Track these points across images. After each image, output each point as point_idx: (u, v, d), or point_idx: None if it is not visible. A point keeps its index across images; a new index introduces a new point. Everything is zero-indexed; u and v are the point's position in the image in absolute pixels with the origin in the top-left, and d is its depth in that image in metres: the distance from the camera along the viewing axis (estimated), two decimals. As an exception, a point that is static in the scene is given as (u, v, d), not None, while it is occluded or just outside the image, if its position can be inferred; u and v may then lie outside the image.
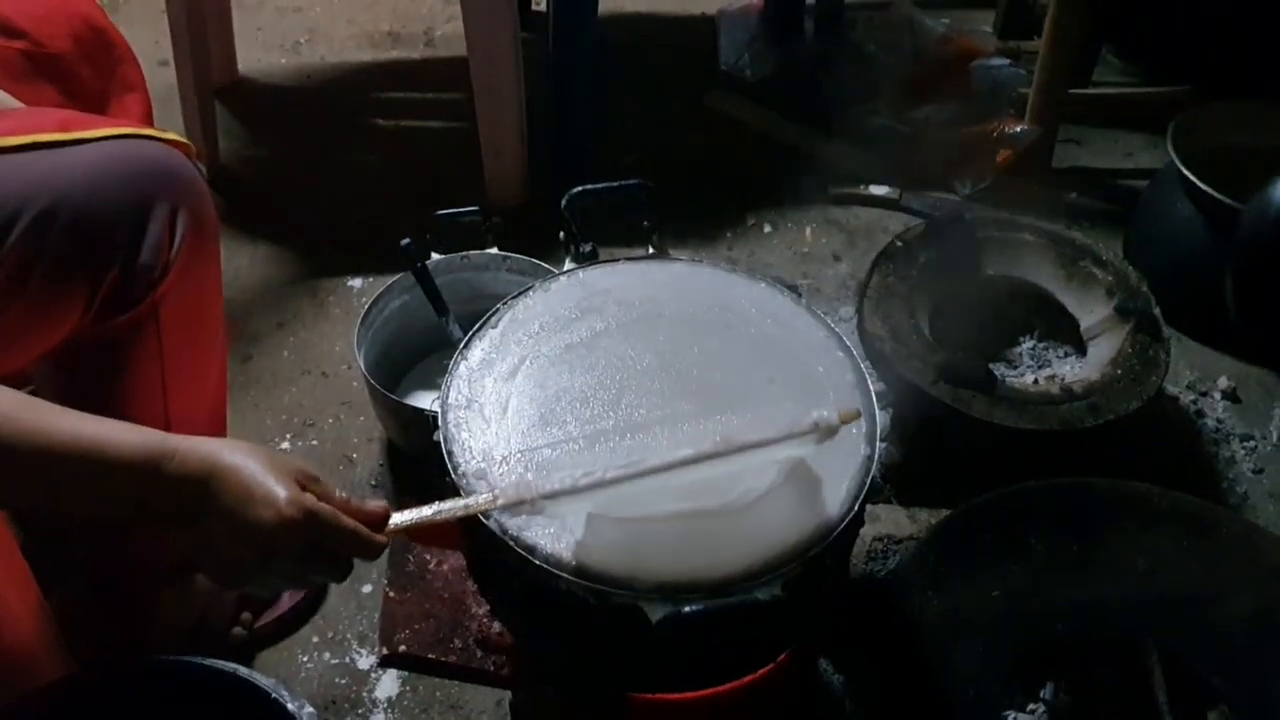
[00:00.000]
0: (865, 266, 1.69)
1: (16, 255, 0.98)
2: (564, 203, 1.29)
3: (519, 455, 1.05)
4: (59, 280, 1.02)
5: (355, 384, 1.71)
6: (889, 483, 1.53)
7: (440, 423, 1.08)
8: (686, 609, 0.93)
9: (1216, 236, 1.72)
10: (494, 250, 1.67)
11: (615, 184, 1.34)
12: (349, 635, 1.41)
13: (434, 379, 1.67)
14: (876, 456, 1.04)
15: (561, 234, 1.31)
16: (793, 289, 1.22)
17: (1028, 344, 1.69)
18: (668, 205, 1.37)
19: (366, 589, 1.45)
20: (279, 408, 1.68)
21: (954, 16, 2.37)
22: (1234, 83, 1.94)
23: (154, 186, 1.06)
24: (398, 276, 1.64)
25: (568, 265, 1.28)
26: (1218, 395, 1.71)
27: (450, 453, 1.05)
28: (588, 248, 1.29)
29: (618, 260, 1.24)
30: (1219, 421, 1.67)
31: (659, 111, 2.24)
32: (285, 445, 1.63)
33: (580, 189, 1.31)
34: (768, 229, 2.00)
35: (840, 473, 1.03)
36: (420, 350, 1.69)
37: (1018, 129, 1.98)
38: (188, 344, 1.17)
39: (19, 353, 1.04)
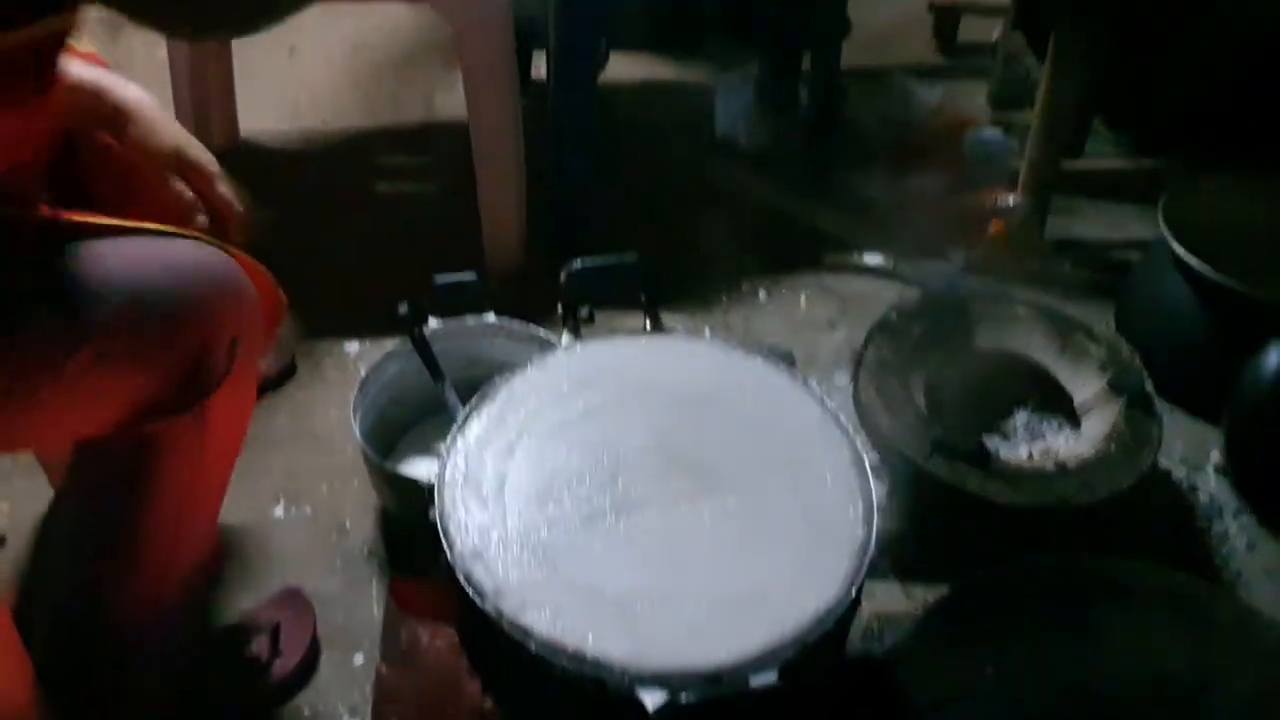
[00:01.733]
0: (859, 334, 1.70)
1: (106, 332, 1.00)
2: (563, 279, 1.30)
3: (515, 535, 1.05)
4: (139, 365, 1.05)
5: (350, 450, 1.71)
6: (885, 556, 1.53)
7: (437, 500, 1.08)
8: (684, 697, 0.92)
9: (1208, 311, 1.74)
10: (491, 317, 1.68)
11: (613, 259, 1.35)
12: (340, 707, 1.40)
13: (429, 444, 1.67)
14: (873, 541, 1.04)
15: (560, 307, 1.32)
16: (788, 357, 1.23)
17: (1021, 416, 1.70)
18: (663, 269, 1.38)
19: (358, 660, 1.44)
20: (272, 473, 1.67)
21: (947, 87, 2.41)
22: (1225, 156, 1.97)
23: (230, 298, 1.12)
24: (395, 343, 1.64)
25: (565, 339, 1.29)
26: (1210, 469, 1.72)
27: (446, 530, 1.05)
28: (585, 313, 1.30)
29: (615, 335, 1.25)
30: (1212, 496, 1.68)
31: (657, 178, 2.26)
32: (278, 511, 1.62)
33: (579, 266, 1.32)
34: (763, 295, 2.01)
35: (837, 556, 1.03)
36: (416, 414, 1.69)
37: (1010, 200, 2.01)
38: (223, 451, 1.20)
39: (71, 429, 1.06)
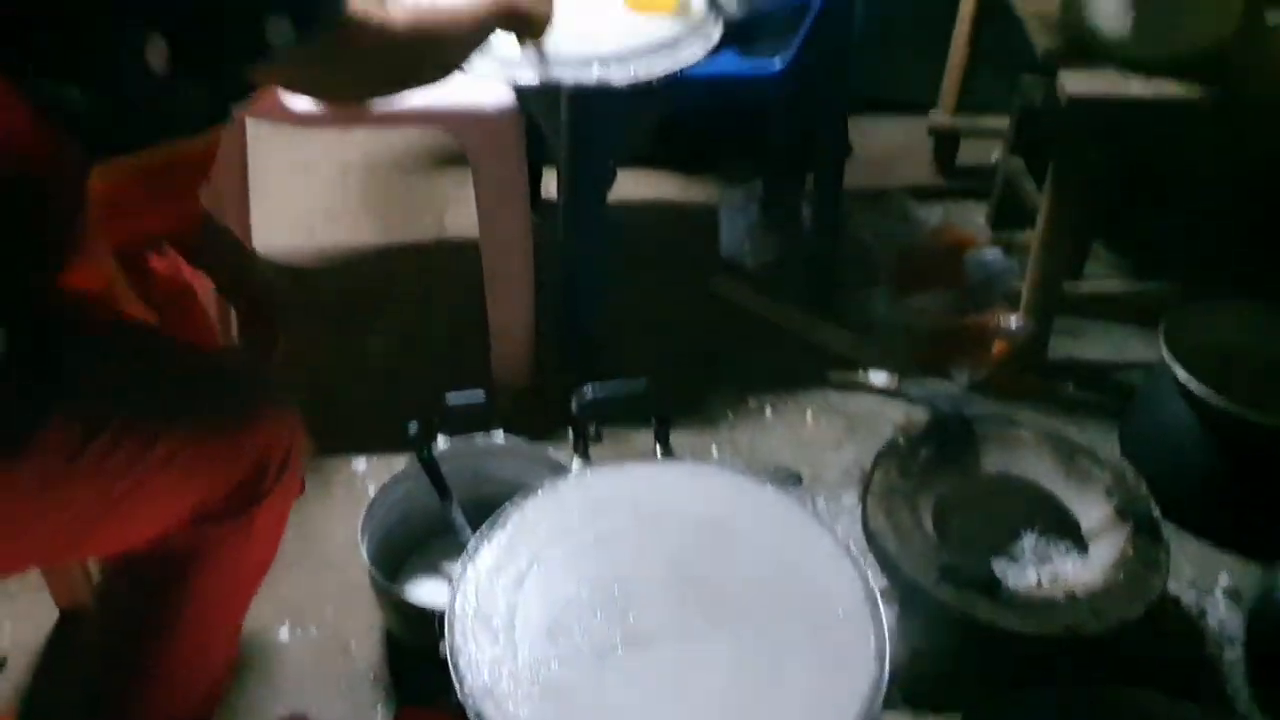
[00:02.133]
0: (866, 453, 1.71)
1: (180, 437, 1.06)
2: (574, 406, 1.31)
3: (526, 670, 1.05)
4: (204, 471, 1.11)
5: (356, 570, 1.70)
6: (894, 682, 1.51)
7: (447, 633, 1.08)
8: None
9: (1211, 435, 1.75)
10: (500, 437, 1.69)
11: (624, 387, 1.37)
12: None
13: (437, 564, 1.67)
14: (885, 677, 1.04)
15: (570, 431, 1.33)
16: (795, 478, 1.24)
17: (1029, 539, 1.70)
18: (670, 385, 1.40)
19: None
20: (278, 592, 1.67)
21: (947, 207, 2.45)
22: (1226, 280, 2.01)
23: (285, 413, 1.20)
24: (403, 460, 1.65)
25: (576, 465, 1.30)
26: (1219, 594, 1.71)
27: (457, 666, 1.05)
28: (594, 431, 1.31)
29: (625, 461, 1.26)
30: (1221, 623, 1.67)
31: (664, 295, 2.29)
32: (284, 634, 1.61)
33: (590, 393, 1.34)
34: (769, 413, 2.03)
35: (851, 695, 1.03)
36: (424, 533, 1.69)
37: (1012, 322, 2.03)
38: (257, 563, 1.26)
39: (128, 534, 1.11)
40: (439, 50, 1.29)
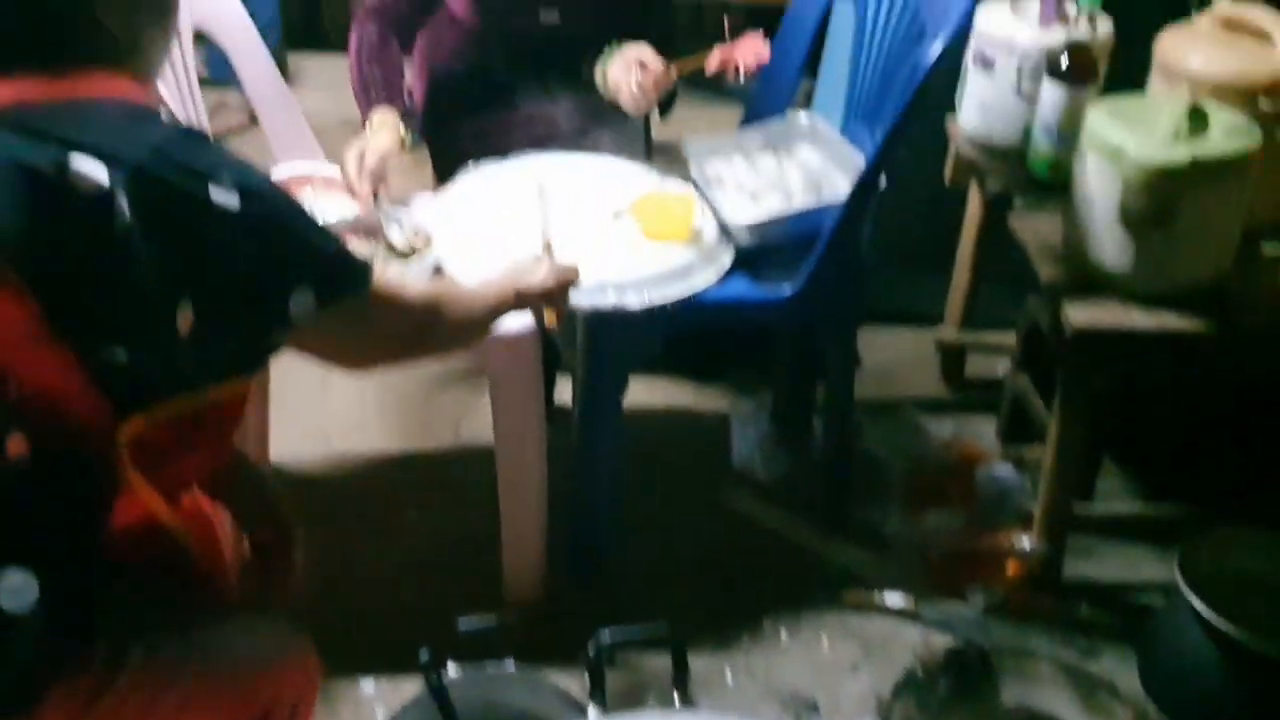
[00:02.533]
0: (883, 678, 1.69)
1: (186, 684, 1.08)
2: (590, 651, 1.31)
3: None
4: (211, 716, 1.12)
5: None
6: None
7: None
8: None
9: (1231, 668, 1.72)
10: (511, 666, 1.67)
11: (643, 632, 1.36)
12: None
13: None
14: None
15: (586, 674, 1.32)
16: (812, 706, 1.21)
17: (1051, 776, 1.66)
18: (680, 604, 1.39)
19: None
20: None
21: (956, 420, 2.48)
22: (1238, 502, 2.01)
23: (296, 667, 1.25)
24: (412, 683, 1.63)
25: (593, 714, 1.28)
26: (1249, 837, 1.66)
27: None
28: (608, 654, 1.29)
29: (643, 713, 1.25)
30: None
31: (676, 506, 2.30)
32: None
33: (607, 638, 1.33)
34: (784, 636, 2.00)
35: None
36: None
37: (1025, 542, 2.03)
38: None
39: None
40: (453, 327, 1.37)
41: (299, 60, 4.20)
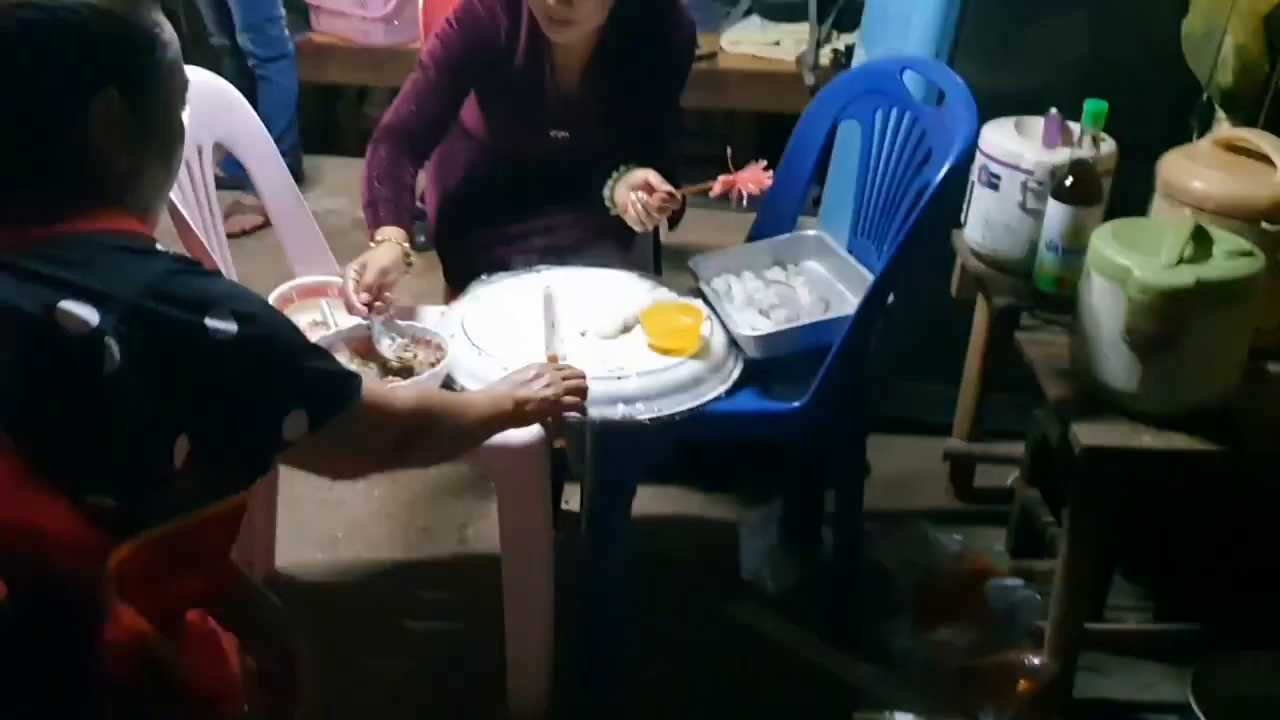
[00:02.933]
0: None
1: None
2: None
3: None
4: None
5: None
6: None
7: None
8: None
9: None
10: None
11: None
12: None
13: None
14: None
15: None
16: None
17: None
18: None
19: None
20: None
21: (966, 533, 2.46)
22: (1252, 619, 1.99)
23: None
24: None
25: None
26: None
27: None
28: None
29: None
30: None
31: (684, 618, 2.28)
32: None
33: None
34: (793, 758, 1.98)
35: None
36: None
37: (1036, 661, 2.00)
38: None
39: None
40: (447, 437, 1.38)
41: (314, 163, 4.27)
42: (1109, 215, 2.03)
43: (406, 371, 1.87)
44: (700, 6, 4.21)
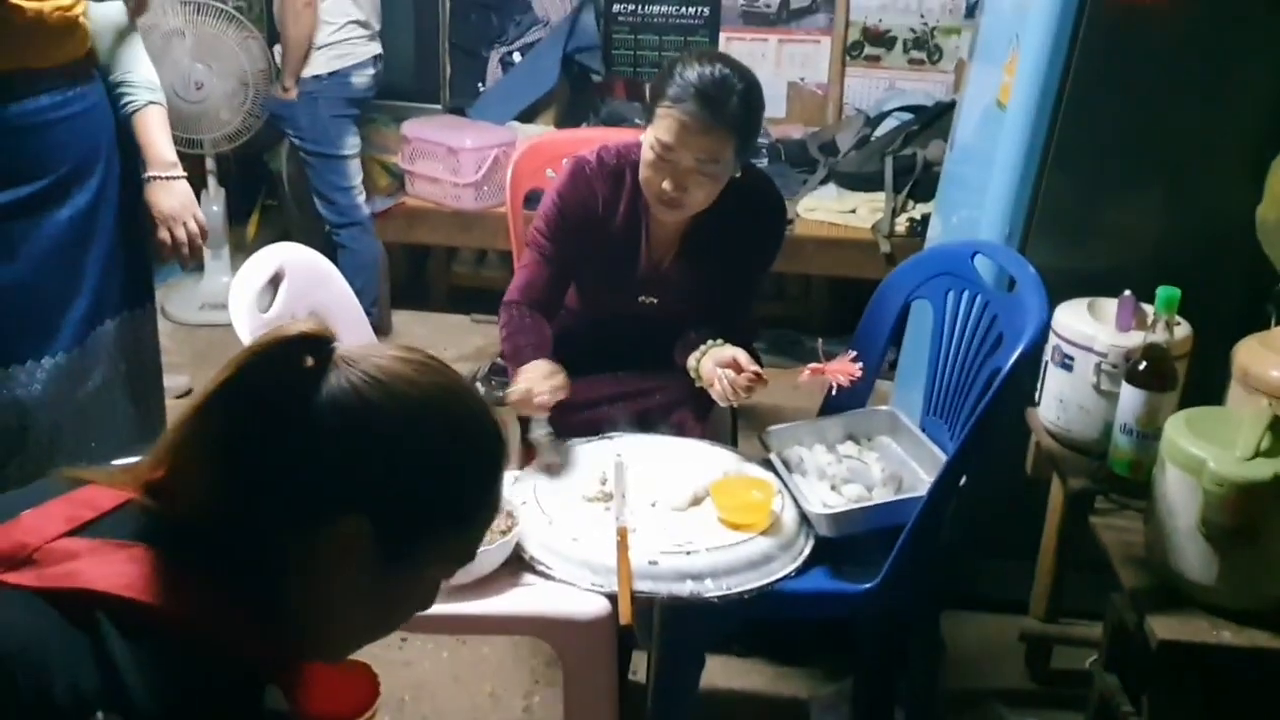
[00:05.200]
0: None
1: None
2: None
3: None
4: None
5: None
6: None
7: None
8: None
9: None
10: None
11: None
12: None
13: None
14: None
15: None
16: None
17: None
18: None
19: None
20: None
21: (1042, 717, 2.40)
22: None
23: None
24: None
25: None
26: None
27: None
28: None
29: None
30: None
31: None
32: None
33: None
34: None
35: None
36: None
37: None
38: None
39: None
40: None
41: (403, 317, 4.43)
42: (1184, 400, 2.02)
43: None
44: (778, 174, 4.34)
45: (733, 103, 2.11)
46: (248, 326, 1.78)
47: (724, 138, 2.12)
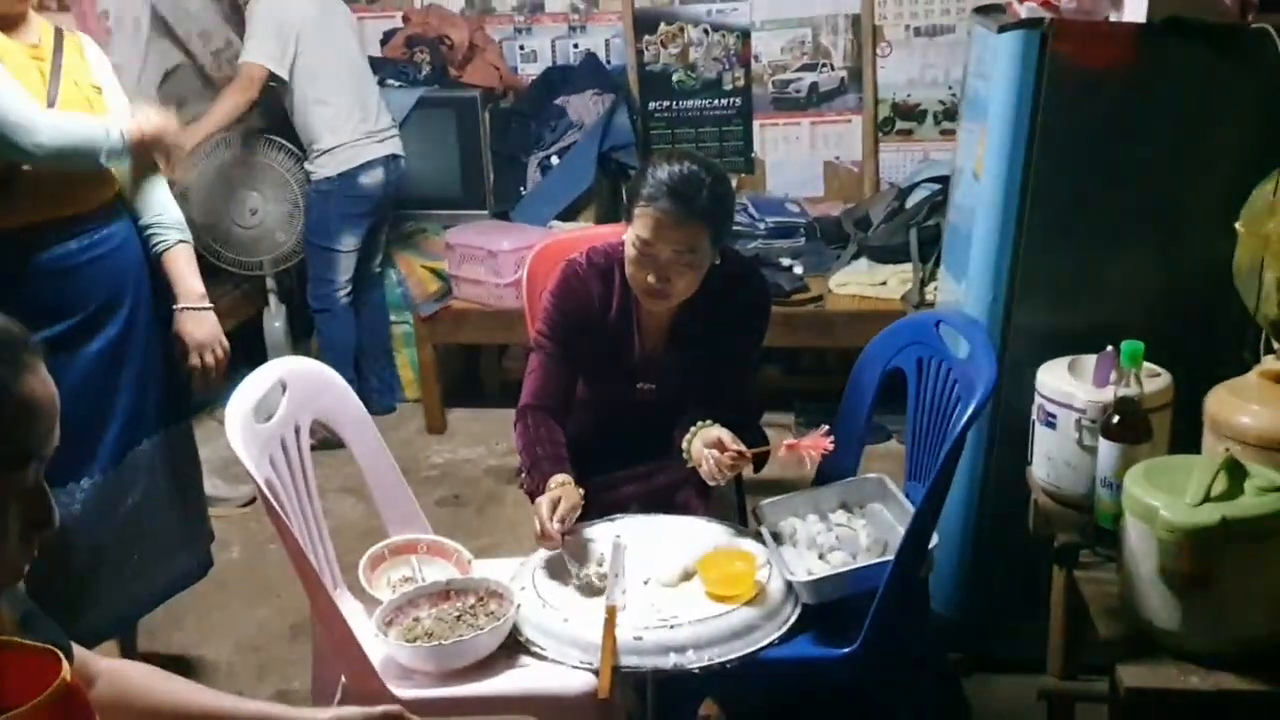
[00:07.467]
0: None
1: None
2: None
3: None
4: None
5: None
6: None
7: None
8: None
9: None
10: None
11: None
12: None
13: None
14: None
15: None
16: None
17: None
18: None
19: None
20: None
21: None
22: None
23: None
24: None
25: None
26: None
27: None
28: None
29: None
30: None
31: None
32: None
33: None
34: None
35: None
36: None
37: None
38: None
39: None
40: None
41: (458, 415, 4.59)
42: (1174, 451, 2.04)
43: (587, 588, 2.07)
44: (811, 251, 4.45)
45: (703, 196, 2.24)
46: (241, 437, 1.93)
47: (698, 229, 2.24)
